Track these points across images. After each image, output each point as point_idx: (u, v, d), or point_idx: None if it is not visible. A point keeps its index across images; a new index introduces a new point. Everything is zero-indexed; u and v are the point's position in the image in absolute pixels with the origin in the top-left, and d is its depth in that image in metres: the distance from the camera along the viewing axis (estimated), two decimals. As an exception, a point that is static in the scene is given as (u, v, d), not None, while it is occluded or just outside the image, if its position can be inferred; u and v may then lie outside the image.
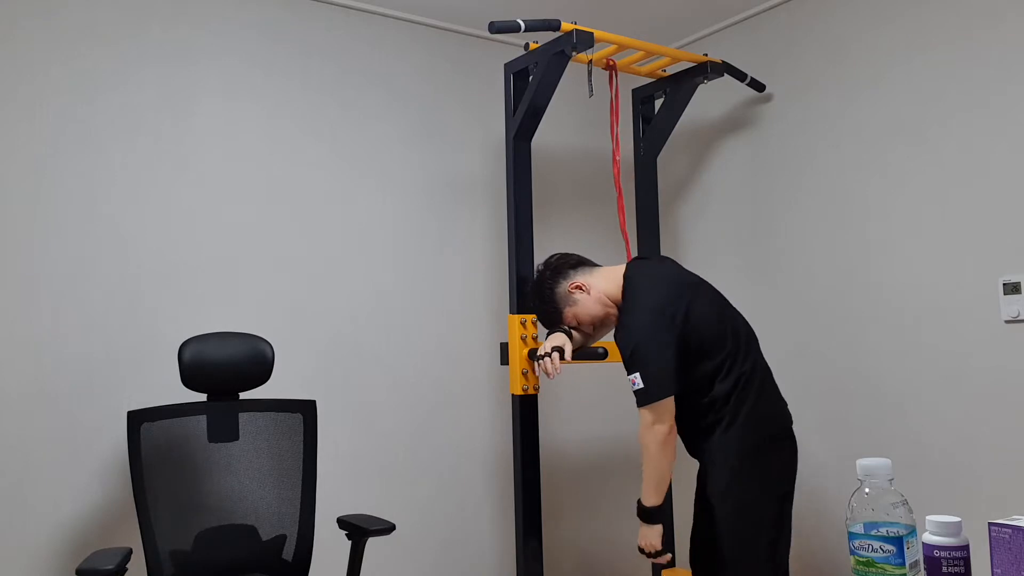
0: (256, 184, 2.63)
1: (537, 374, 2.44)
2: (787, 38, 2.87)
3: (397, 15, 2.95)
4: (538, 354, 2.22)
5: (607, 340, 3.28)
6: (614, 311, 2.16)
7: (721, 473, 1.99)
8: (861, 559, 0.83)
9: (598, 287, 2.16)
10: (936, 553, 1.01)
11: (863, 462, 0.88)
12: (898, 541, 0.81)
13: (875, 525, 0.82)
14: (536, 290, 2.24)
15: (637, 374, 1.93)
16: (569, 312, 2.20)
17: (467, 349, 3.00)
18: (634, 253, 3.03)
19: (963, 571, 1.01)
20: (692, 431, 2.06)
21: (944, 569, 1.00)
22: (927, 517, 1.02)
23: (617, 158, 2.65)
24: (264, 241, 2.62)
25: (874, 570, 0.82)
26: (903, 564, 0.81)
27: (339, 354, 2.72)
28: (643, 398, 1.94)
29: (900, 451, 2.44)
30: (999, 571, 1.07)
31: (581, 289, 2.17)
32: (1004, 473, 2.22)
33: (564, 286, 2.19)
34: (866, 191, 2.59)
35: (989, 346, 2.26)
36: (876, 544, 0.82)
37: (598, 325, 2.23)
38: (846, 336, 2.62)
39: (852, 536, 0.83)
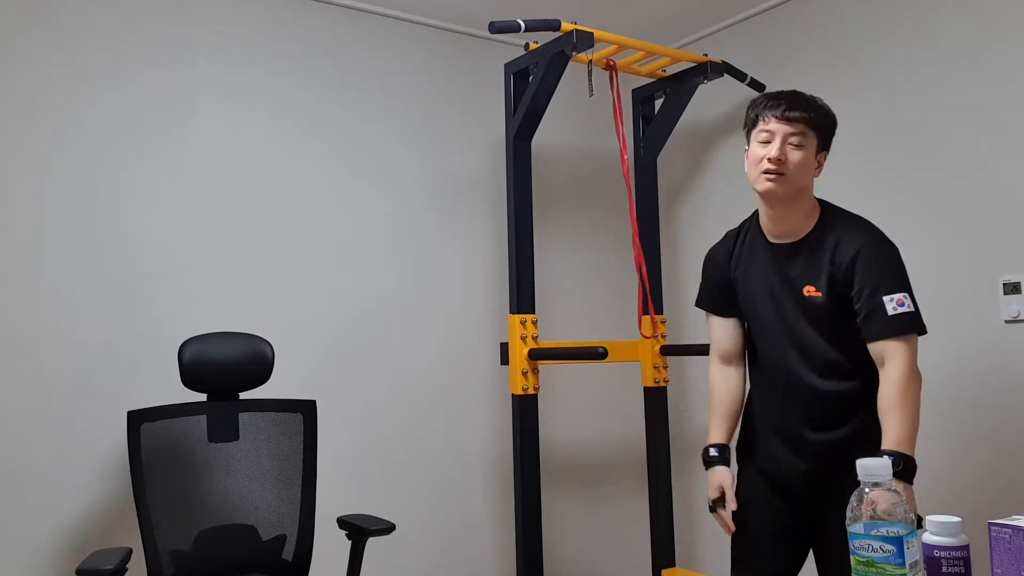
0: (256, 184, 2.63)
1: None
2: (787, 38, 2.87)
3: (397, 15, 2.95)
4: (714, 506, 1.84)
5: (607, 340, 3.28)
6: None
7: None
8: (861, 559, 0.83)
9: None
10: (936, 553, 1.01)
11: (863, 462, 0.88)
12: (898, 541, 0.81)
13: (875, 525, 0.82)
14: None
15: (905, 295, 1.61)
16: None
17: (467, 349, 3.00)
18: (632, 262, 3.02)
19: (963, 571, 1.01)
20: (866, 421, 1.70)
21: (944, 569, 1.00)
22: (927, 517, 1.02)
23: (625, 156, 2.65)
24: (264, 241, 2.62)
25: (874, 570, 0.82)
26: (903, 564, 0.81)
27: (339, 354, 2.72)
28: (917, 323, 1.61)
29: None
30: (999, 571, 1.07)
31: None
32: (1004, 473, 2.22)
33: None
34: (866, 191, 2.59)
35: (989, 346, 2.26)
36: (876, 544, 0.82)
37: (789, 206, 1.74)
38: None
39: (852, 536, 0.83)
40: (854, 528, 0.83)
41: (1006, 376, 2.22)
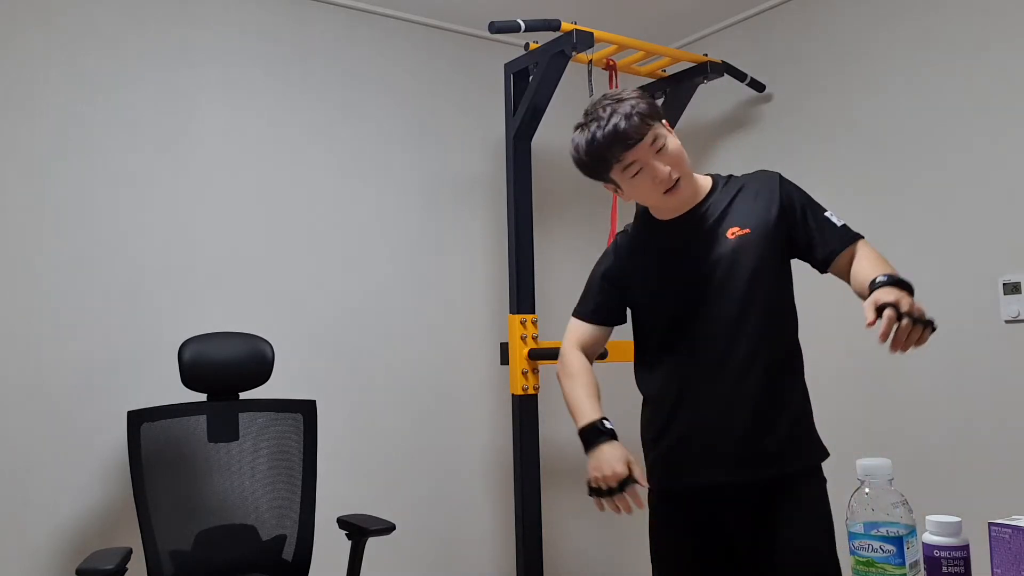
0: (256, 184, 2.63)
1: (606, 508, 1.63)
2: (787, 38, 2.87)
3: (397, 15, 2.95)
4: (596, 487, 1.57)
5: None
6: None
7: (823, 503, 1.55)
8: (861, 559, 0.83)
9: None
10: (936, 553, 1.01)
11: (863, 462, 0.88)
12: (898, 541, 0.81)
13: (875, 525, 0.82)
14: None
15: (829, 211, 1.58)
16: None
17: (467, 349, 3.00)
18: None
19: (963, 571, 1.01)
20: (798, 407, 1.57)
21: (944, 569, 1.00)
22: (927, 517, 1.02)
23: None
24: (264, 241, 2.62)
25: (874, 570, 0.82)
26: (903, 564, 0.81)
27: (339, 354, 2.72)
28: (853, 233, 1.56)
29: (900, 451, 2.44)
30: (999, 571, 1.07)
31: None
32: (1004, 473, 2.22)
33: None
34: (865, 191, 2.59)
35: (989, 346, 2.26)
36: (876, 544, 0.82)
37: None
38: (845, 334, 2.62)
39: (852, 536, 0.83)
40: (854, 528, 0.83)
41: (1006, 376, 2.22)
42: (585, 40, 2.42)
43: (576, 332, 1.72)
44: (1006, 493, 2.21)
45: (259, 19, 2.69)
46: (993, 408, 2.25)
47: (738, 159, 3.02)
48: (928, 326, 1.26)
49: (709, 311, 1.53)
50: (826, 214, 1.57)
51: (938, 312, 2.38)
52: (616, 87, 2.73)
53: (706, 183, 1.62)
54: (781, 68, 2.88)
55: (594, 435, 1.55)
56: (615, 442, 1.55)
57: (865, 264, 1.50)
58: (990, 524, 1.08)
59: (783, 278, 1.60)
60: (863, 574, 0.83)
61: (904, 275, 1.42)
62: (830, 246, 1.54)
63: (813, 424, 1.60)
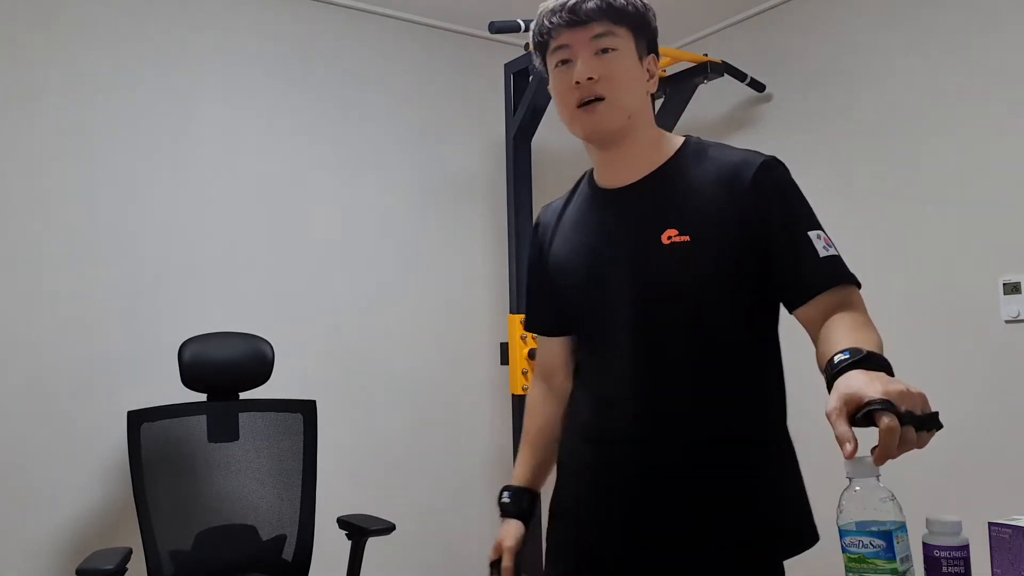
0: (256, 184, 2.63)
1: None
2: (787, 38, 2.87)
3: (397, 15, 2.95)
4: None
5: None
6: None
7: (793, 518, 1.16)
8: (853, 556, 0.83)
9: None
10: (936, 553, 1.01)
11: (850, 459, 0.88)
12: (887, 536, 0.82)
13: (865, 523, 0.83)
14: None
15: (823, 231, 1.12)
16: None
17: (467, 349, 3.00)
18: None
19: (963, 571, 1.01)
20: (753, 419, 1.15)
21: (944, 569, 1.00)
22: (926, 517, 1.02)
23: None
24: (264, 241, 2.62)
25: (866, 565, 0.82)
26: (894, 559, 0.81)
27: (339, 354, 2.72)
28: (850, 272, 1.11)
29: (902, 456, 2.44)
30: (999, 571, 1.07)
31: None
32: (1004, 473, 2.22)
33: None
34: (865, 191, 2.59)
35: (989, 346, 2.26)
36: (866, 540, 0.82)
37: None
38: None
39: (843, 533, 0.84)
40: (845, 525, 0.84)
41: (1006, 376, 2.22)
42: (585, 40, 2.42)
43: (538, 352, 1.39)
44: (1006, 493, 2.21)
45: (259, 19, 2.69)
46: (993, 408, 2.25)
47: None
48: (934, 427, 0.84)
49: (621, 345, 1.15)
50: (811, 234, 1.10)
51: (938, 312, 2.39)
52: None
53: (670, 146, 1.19)
54: (781, 68, 2.88)
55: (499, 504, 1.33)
56: (508, 520, 1.33)
57: (838, 328, 1.01)
58: (990, 524, 1.08)
59: (744, 316, 1.14)
60: (855, 571, 0.83)
61: (887, 340, 1.05)
62: (803, 282, 1.09)
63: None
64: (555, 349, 1.33)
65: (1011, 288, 2.21)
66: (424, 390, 2.89)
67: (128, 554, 1.88)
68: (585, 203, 1.26)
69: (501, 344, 2.64)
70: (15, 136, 2.27)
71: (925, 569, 1.02)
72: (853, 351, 0.92)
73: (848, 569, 0.84)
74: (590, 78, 1.12)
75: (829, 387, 0.88)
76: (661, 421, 1.12)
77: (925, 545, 1.01)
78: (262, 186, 2.64)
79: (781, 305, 1.16)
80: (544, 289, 1.31)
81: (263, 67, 2.67)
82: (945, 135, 2.39)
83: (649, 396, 1.13)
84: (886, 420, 0.78)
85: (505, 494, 1.33)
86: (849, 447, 0.79)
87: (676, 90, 2.90)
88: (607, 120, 1.14)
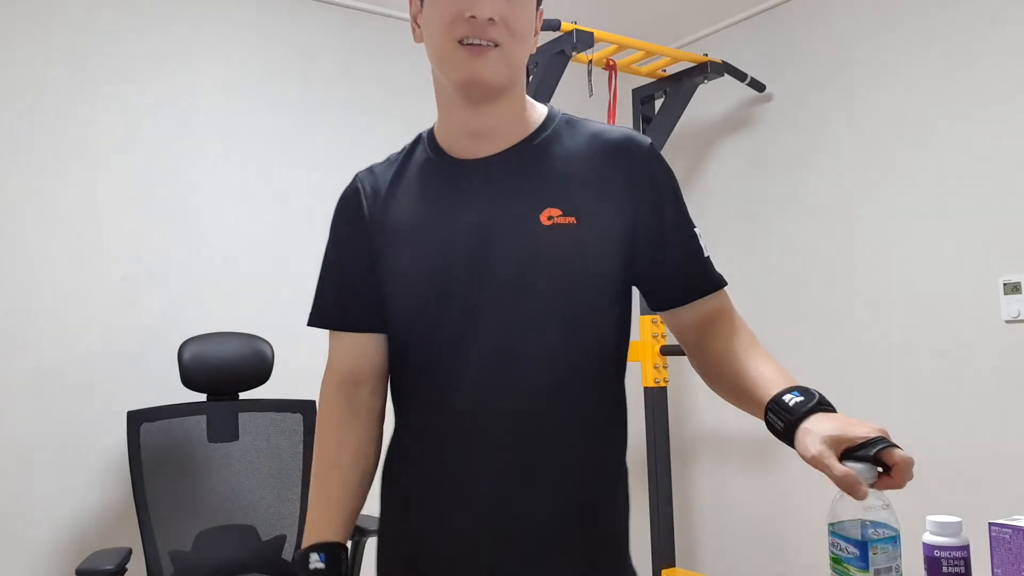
0: (255, 183, 2.63)
1: None
2: (787, 38, 2.87)
3: (397, 15, 2.95)
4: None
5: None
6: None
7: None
8: (832, 556, 0.85)
9: None
10: (936, 553, 1.01)
11: (848, 464, 0.88)
12: (862, 545, 0.82)
13: (844, 525, 0.83)
14: None
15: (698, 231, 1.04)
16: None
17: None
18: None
19: (963, 571, 1.01)
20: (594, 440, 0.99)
21: (944, 569, 1.00)
22: (927, 517, 1.02)
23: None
24: (264, 241, 2.62)
25: (841, 568, 0.84)
26: (866, 568, 0.82)
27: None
28: (719, 276, 1.04)
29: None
30: (999, 571, 1.07)
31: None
32: (1004, 473, 2.22)
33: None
34: (866, 191, 2.59)
35: (989, 346, 2.26)
36: (843, 544, 0.83)
37: None
38: (845, 335, 2.62)
39: (829, 531, 0.85)
40: (830, 525, 0.85)
41: (1006, 376, 2.22)
42: (585, 40, 2.42)
43: (339, 354, 1.06)
44: (1006, 493, 2.21)
45: (259, 19, 2.69)
46: (994, 408, 2.25)
47: (738, 159, 3.03)
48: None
49: (483, 345, 0.94)
50: (696, 231, 1.04)
51: (938, 311, 2.39)
52: (614, 87, 2.73)
53: (538, 114, 1.04)
54: (781, 68, 2.88)
55: (298, 568, 0.98)
56: None
57: (757, 359, 0.95)
58: (991, 524, 1.09)
59: (618, 309, 1.01)
60: (834, 570, 0.84)
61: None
62: (691, 283, 1.02)
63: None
64: (368, 349, 1.03)
65: (1011, 288, 2.21)
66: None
67: (128, 554, 1.88)
68: (429, 173, 1.03)
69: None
70: (15, 136, 2.27)
71: (926, 569, 1.02)
72: (802, 391, 0.87)
73: (831, 568, 0.85)
74: (491, 19, 0.93)
75: (784, 427, 0.86)
76: (528, 475, 0.94)
77: (925, 545, 1.01)
78: (262, 186, 2.64)
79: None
80: (361, 272, 1.03)
81: (262, 67, 2.68)
82: (945, 135, 2.39)
83: (512, 431, 0.93)
84: (903, 454, 0.79)
85: (315, 557, 0.98)
86: (864, 487, 0.77)
87: (676, 90, 2.90)
88: (496, 72, 0.95)
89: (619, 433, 1.02)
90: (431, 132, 1.08)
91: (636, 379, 3.36)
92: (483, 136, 1.01)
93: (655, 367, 2.84)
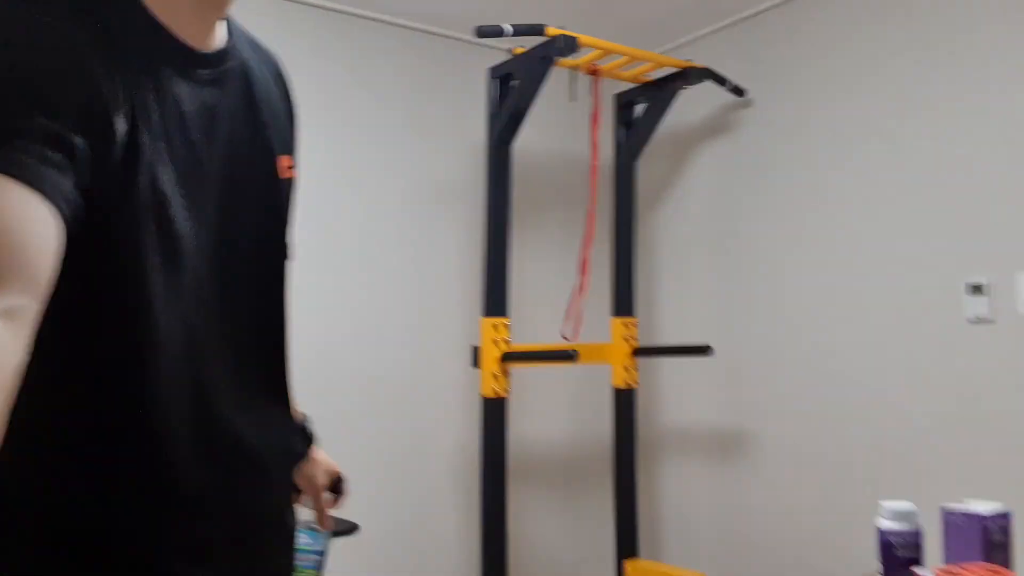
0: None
1: None
2: (768, 44, 2.93)
3: (382, 18, 2.98)
4: None
5: (583, 342, 3.31)
6: None
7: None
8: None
9: None
10: (890, 538, 1.06)
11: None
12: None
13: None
14: None
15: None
16: None
17: (440, 352, 3.02)
18: (591, 266, 3.05)
19: (915, 556, 1.06)
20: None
21: (897, 553, 1.06)
22: (881, 503, 1.08)
23: (595, 163, 2.68)
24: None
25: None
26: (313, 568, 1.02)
27: (310, 354, 2.73)
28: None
29: (864, 449, 2.51)
30: (951, 555, 1.12)
31: None
32: (967, 471, 2.28)
33: None
34: (841, 195, 2.65)
35: (952, 346, 2.32)
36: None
37: None
38: (819, 338, 2.68)
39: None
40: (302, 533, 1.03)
41: (969, 376, 2.29)
42: (569, 45, 2.46)
43: (27, 243, 0.59)
44: (962, 482, 2.28)
45: (242, 21, 2.70)
46: (954, 405, 2.31)
47: (717, 163, 3.08)
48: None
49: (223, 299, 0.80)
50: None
51: (902, 312, 2.45)
52: (597, 92, 2.77)
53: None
54: (761, 73, 2.94)
55: None
56: None
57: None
58: (942, 508, 1.14)
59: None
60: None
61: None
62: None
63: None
64: (57, 245, 0.61)
65: (974, 289, 2.28)
66: (395, 392, 2.91)
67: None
68: (163, 58, 0.75)
69: (472, 347, 2.66)
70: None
71: (880, 553, 1.07)
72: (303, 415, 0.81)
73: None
74: None
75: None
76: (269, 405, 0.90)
77: (879, 530, 1.06)
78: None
79: None
80: (89, 142, 0.65)
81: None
82: (916, 138, 2.46)
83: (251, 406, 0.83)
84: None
85: None
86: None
87: (658, 95, 2.95)
88: None
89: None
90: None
91: (603, 378, 3.39)
92: (210, 25, 0.83)
93: (625, 369, 2.88)
